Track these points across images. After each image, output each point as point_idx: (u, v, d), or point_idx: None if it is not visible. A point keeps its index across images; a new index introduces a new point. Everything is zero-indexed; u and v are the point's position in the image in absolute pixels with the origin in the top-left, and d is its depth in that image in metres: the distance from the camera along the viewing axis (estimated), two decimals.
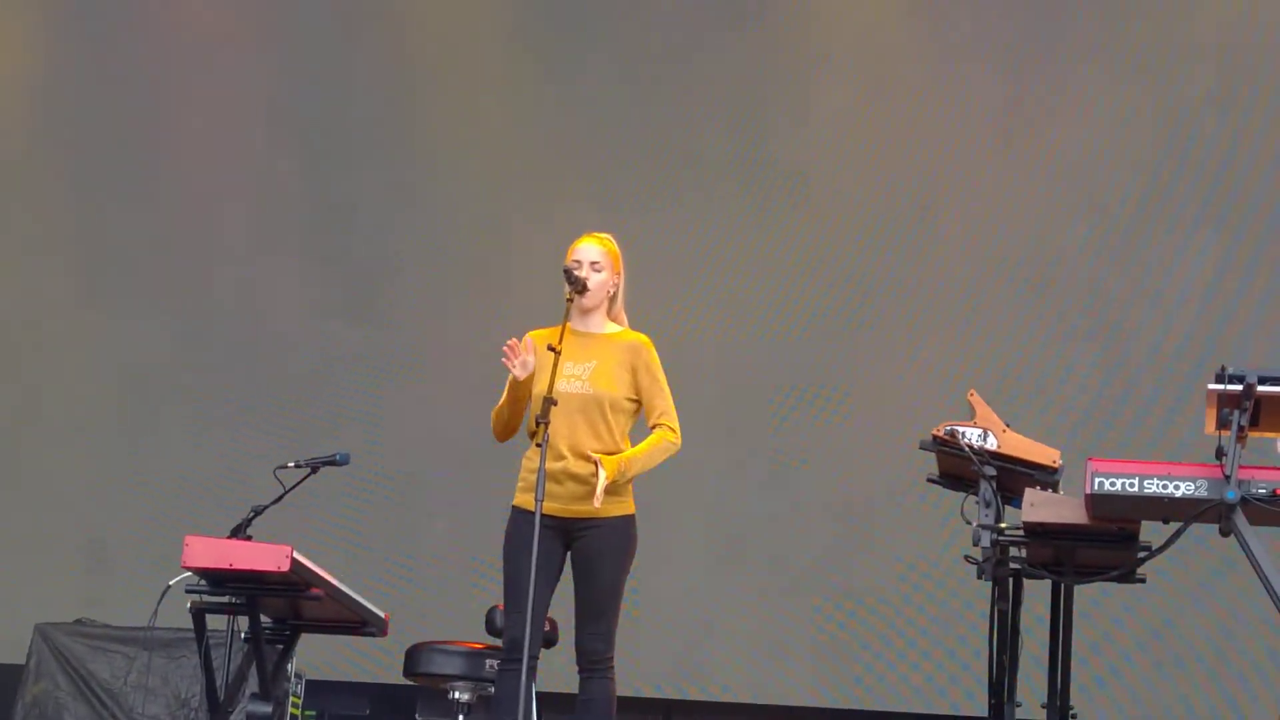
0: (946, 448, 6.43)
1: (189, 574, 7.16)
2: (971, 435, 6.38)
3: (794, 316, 11.17)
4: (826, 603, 10.81)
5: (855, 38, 11.42)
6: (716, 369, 11.05)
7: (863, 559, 10.79)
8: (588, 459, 6.62)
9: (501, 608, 6.78)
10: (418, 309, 11.59)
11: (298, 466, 8.02)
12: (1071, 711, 6.77)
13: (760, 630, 10.88)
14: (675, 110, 11.54)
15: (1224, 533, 5.90)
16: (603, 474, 6.53)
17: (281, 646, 7.86)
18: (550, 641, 7.43)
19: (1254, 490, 5.79)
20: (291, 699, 9.43)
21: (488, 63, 11.82)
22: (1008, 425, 6.45)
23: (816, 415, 11.02)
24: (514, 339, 6.64)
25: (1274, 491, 5.79)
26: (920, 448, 6.50)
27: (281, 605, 7.60)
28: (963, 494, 6.48)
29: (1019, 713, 6.53)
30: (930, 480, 6.72)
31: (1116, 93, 11.07)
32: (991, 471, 6.27)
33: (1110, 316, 10.91)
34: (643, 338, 6.82)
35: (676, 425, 6.75)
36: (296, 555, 7.03)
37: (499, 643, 6.87)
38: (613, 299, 6.86)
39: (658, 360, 6.79)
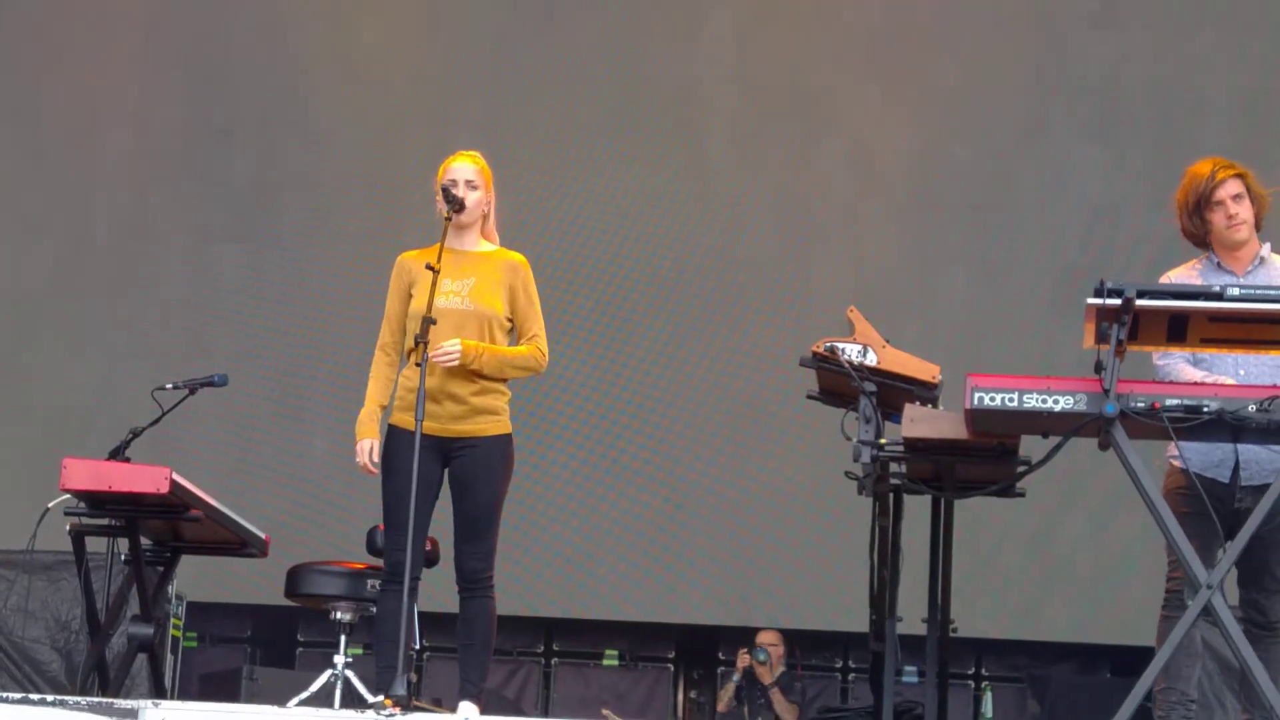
0: (826, 364, 6.41)
1: (68, 496, 7.08)
2: (851, 351, 6.37)
3: (674, 234, 11.16)
4: (709, 520, 10.86)
5: None
6: (594, 288, 11.03)
7: (744, 476, 10.84)
8: (468, 378, 6.57)
9: (382, 528, 6.75)
10: (299, 231, 11.48)
11: (176, 388, 7.95)
12: (952, 625, 6.82)
13: (643, 548, 10.91)
14: (556, 30, 11.46)
15: (1103, 446, 5.93)
16: (456, 343, 6.48)
17: (162, 568, 7.82)
18: (431, 561, 7.40)
19: (1132, 404, 5.82)
20: (172, 621, 9.38)
21: None
22: (887, 341, 6.44)
23: (698, 333, 11.04)
24: (369, 465, 6.61)
25: (1152, 405, 5.82)
26: (800, 364, 6.48)
27: (161, 527, 7.55)
28: (843, 410, 6.48)
29: (900, 627, 6.56)
30: (810, 397, 6.70)
31: (998, 14, 11.11)
32: (871, 387, 6.26)
33: (991, 234, 10.99)
34: (520, 258, 6.77)
35: (546, 348, 6.73)
36: (176, 477, 6.97)
37: (380, 563, 6.84)
38: (486, 216, 6.81)
39: (534, 281, 6.76)
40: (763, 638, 10.60)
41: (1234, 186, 6.52)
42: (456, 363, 6.51)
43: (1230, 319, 5.88)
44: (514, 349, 6.69)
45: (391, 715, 5.88)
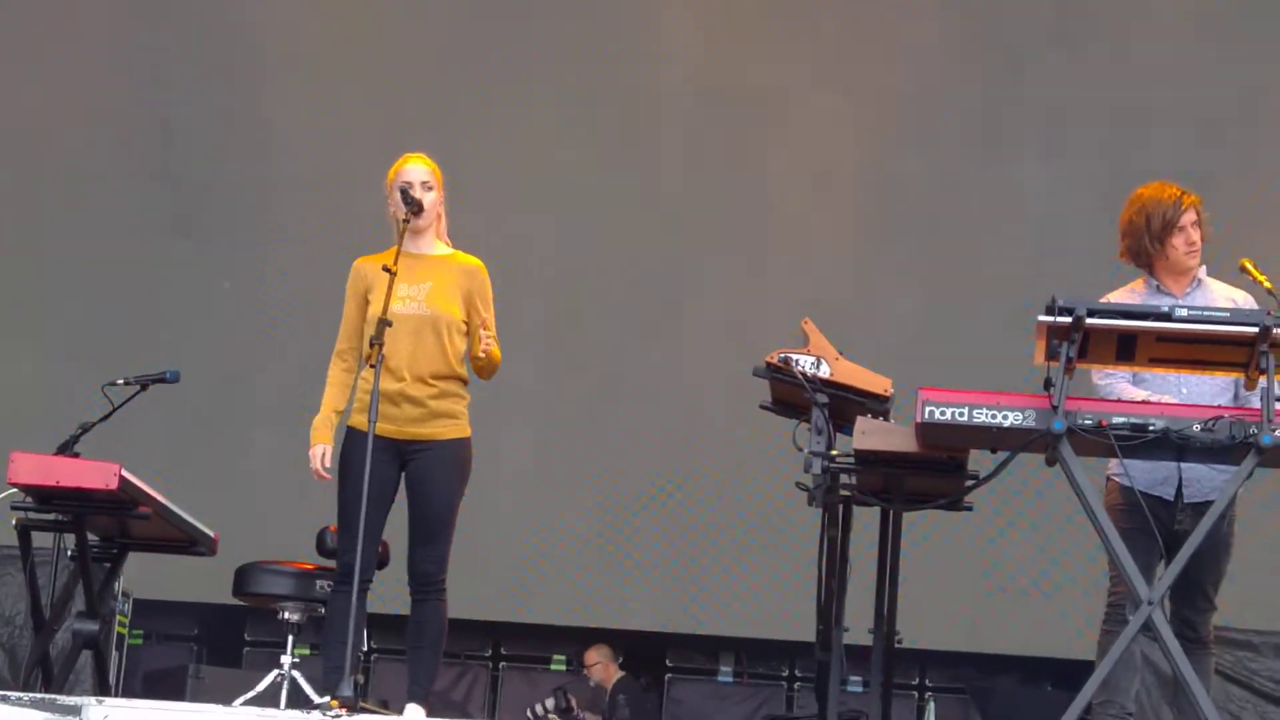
0: (780, 375, 6.46)
1: (14, 490, 7.05)
2: (805, 363, 6.41)
3: (628, 240, 11.19)
4: (658, 527, 10.89)
5: None
6: (547, 292, 11.05)
7: (695, 485, 10.87)
8: (426, 382, 6.59)
9: (334, 529, 6.75)
10: (248, 227, 11.47)
11: (127, 384, 7.92)
12: (898, 636, 6.86)
13: (593, 554, 10.93)
14: (510, 29, 11.48)
15: (1050, 462, 5.99)
16: (489, 334, 6.55)
17: (109, 565, 7.79)
18: (382, 563, 7.40)
19: (1080, 421, 5.88)
20: (118, 618, 9.35)
21: None
22: (841, 353, 6.49)
23: (650, 339, 11.07)
24: (320, 471, 6.65)
25: (1099, 423, 5.88)
26: (754, 374, 6.53)
27: (109, 523, 7.52)
28: (795, 421, 6.52)
29: (846, 637, 6.60)
30: (763, 407, 6.75)
31: (955, 28, 11.17)
32: (824, 399, 6.30)
33: (943, 247, 11.05)
34: (478, 262, 6.79)
35: (499, 352, 6.75)
36: (125, 473, 6.96)
37: (330, 564, 6.84)
38: (440, 218, 6.82)
39: (490, 287, 6.77)
40: (590, 656, 10.87)
41: (1194, 214, 6.63)
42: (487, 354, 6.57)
43: (1178, 339, 5.95)
44: (496, 353, 6.72)
45: (337, 716, 5.88)
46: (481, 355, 6.57)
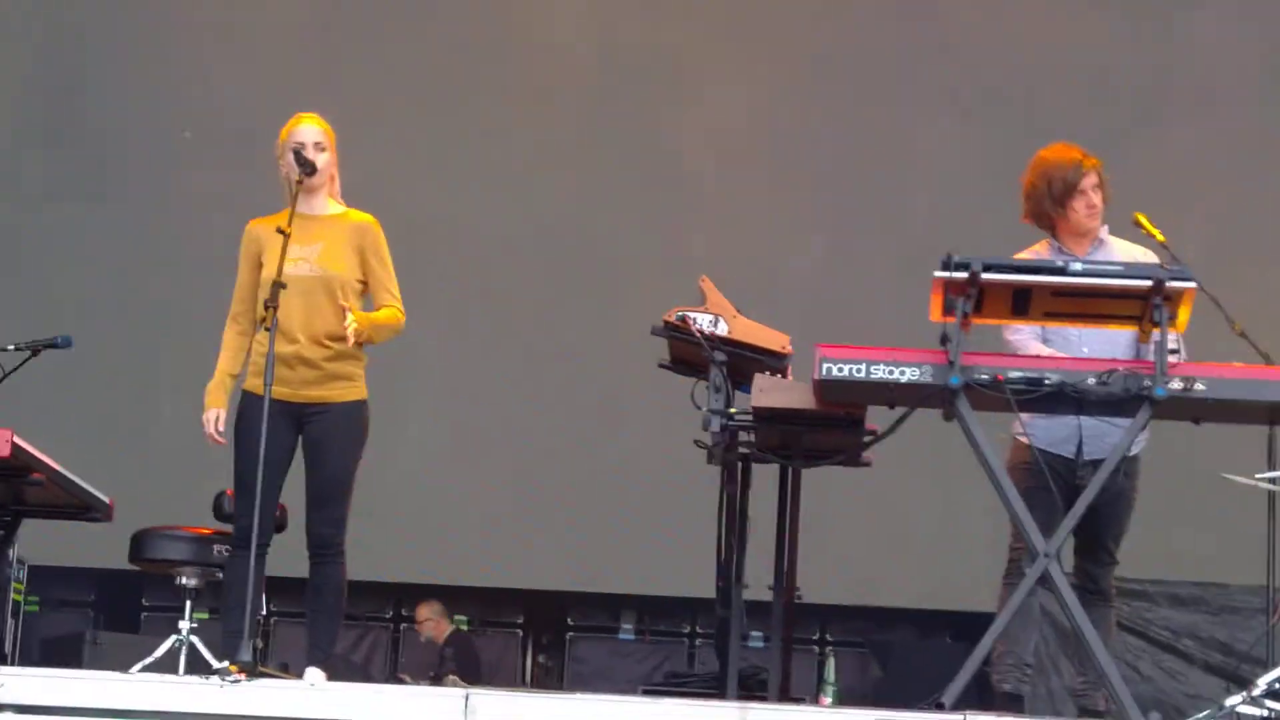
0: (678, 333, 6.45)
1: None
2: (702, 321, 6.41)
3: (530, 200, 11.16)
4: (559, 486, 10.88)
5: None
6: (450, 254, 11.00)
7: (595, 443, 10.87)
8: (321, 344, 6.55)
9: (231, 493, 6.71)
10: (148, 191, 11.35)
11: (18, 349, 7.83)
12: (797, 592, 6.89)
13: (495, 515, 10.92)
14: None
15: (947, 418, 6.02)
16: (351, 317, 6.48)
17: (2, 532, 7.70)
18: (280, 527, 7.35)
19: (976, 376, 5.91)
20: (14, 585, 9.25)
21: None
22: (739, 311, 6.49)
23: (552, 299, 11.05)
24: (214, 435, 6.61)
25: (996, 377, 5.92)
26: (652, 333, 6.52)
27: (2, 490, 7.43)
28: (694, 379, 6.52)
29: (746, 594, 6.62)
30: (661, 366, 6.74)
31: None
32: (722, 357, 6.30)
33: (844, 204, 11.07)
34: (370, 218, 6.74)
35: (402, 308, 6.72)
36: (17, 439, 6.86)
37: (228, 528, 6.80)
38: (333, 178, 6.77)
39: (385, 242, 6.73)
40: (420, 612, 10.94)
41: (1095, 177, 6.67)
42: (358, 339, 6.50)
43: (1073, 294, 6.00)
44: (384, 314, 6.67)
45: (237, 681, 5.85)
46: (350, 335, 6.51)
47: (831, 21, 11.20)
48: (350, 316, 6.50)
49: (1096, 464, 6.39)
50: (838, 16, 11.21)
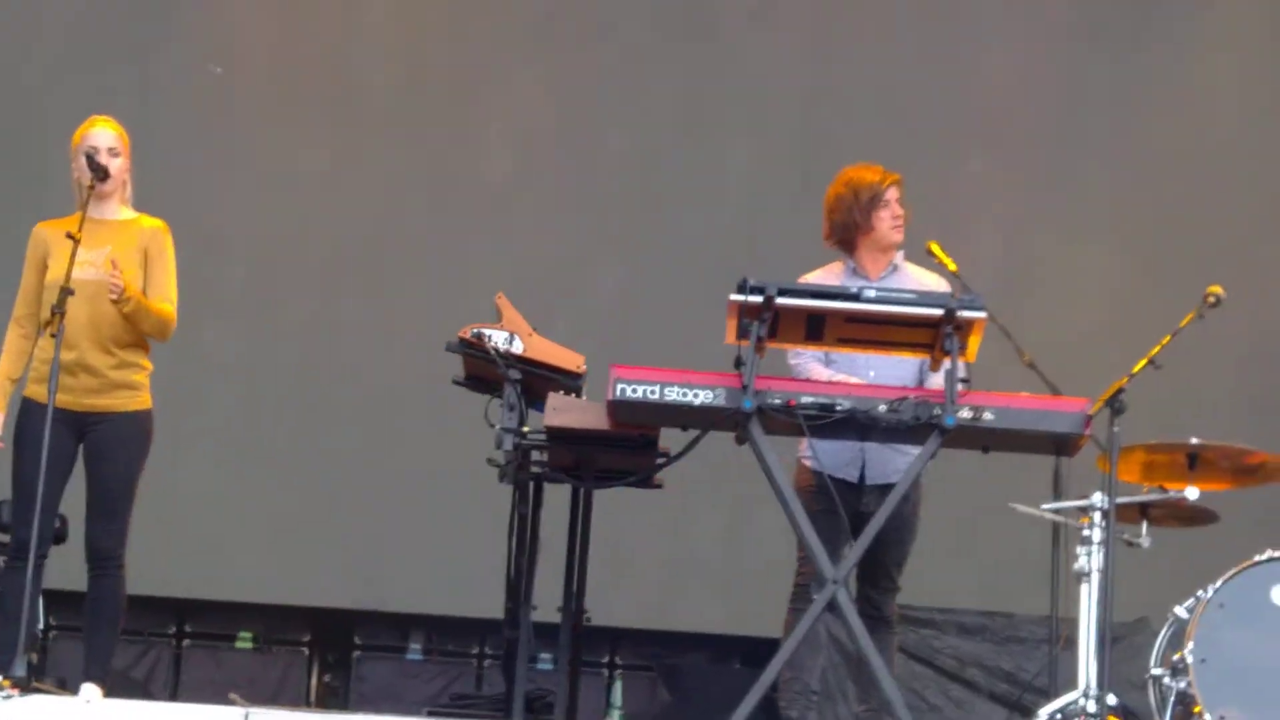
0: (472, 350, 6.45)
1: None
2: (498, 338, 6.41)
3: (327, 213, 11.04)
4: (348, 502, 10.77)
5: None
6: (244, 265, 10.88)
7: (386, 460, 10.78)
8: (106, 351, 6.46)
9: (8, 502, 6.58)
10: None
11: None
12: (586, 614, 6.88)
13: (283, 530, 10.78)
14: None
15: (740, 441, 6.06)
16: (122, 275, 6.40)
17: None
18: (60, 538, 7.22)
19: (769, 400, 5.96)
20: None
21: None
22: (534, 329, 6.50)
23: (346, 313, 10.94)
24: None
25: (788, 402, 5.97)
26: (446, 349, 6.51)
27: None
28: (488, 397, 6.51)
29: (536, 615, 6.60)
30: (456, 382, 6.73)
31: (656, 5, 11.23)
32: (516, 375, 6.31)
33: (644, 226, 11.10)
34: (159, 223, 6.70)
35: (175, 313, 6.63)
36: None
37: (4, 538, 6.65)
38: (125, 184, 6.72)
39: (171, 248, 6.67)
40: None
41: (896, 191, 6.79)
42: (119, 294, 6.39)
43: (865, 320, 6.06)
44: (155, 303, 6.57)
45: (9, 697, 5.73)
46: (113, 296, 6.40)
47: (634, 42, 11.22)
48: (120, 274, 6.40)
49: (880, 488, 6.49)
50: (640, 38, 11.23)
